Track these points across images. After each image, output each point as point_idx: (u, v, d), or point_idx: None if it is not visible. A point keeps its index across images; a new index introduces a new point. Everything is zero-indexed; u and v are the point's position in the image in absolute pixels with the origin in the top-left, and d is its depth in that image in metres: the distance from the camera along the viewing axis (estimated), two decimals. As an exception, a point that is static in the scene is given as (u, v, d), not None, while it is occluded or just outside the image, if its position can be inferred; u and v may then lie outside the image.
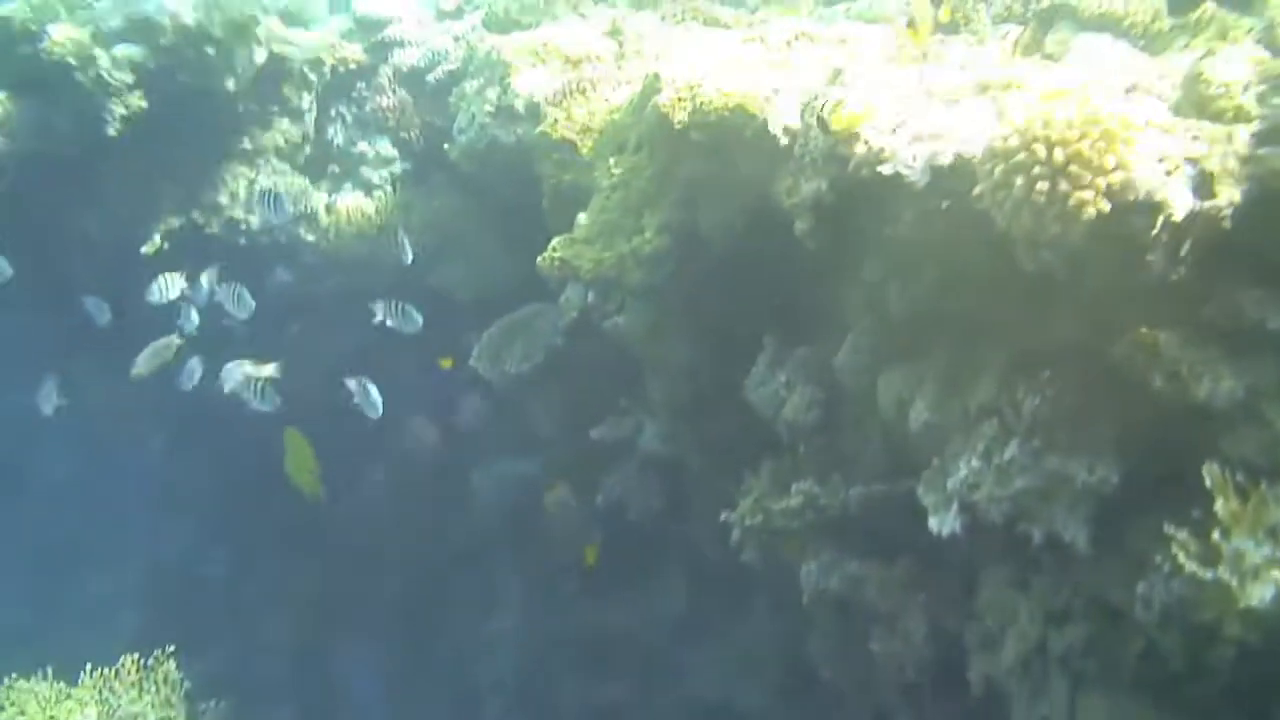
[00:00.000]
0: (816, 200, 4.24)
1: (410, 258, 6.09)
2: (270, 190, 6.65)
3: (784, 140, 4.69)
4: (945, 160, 3.57)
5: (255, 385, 6.26)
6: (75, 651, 10.48)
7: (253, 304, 6.45)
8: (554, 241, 5.45)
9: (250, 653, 10.53)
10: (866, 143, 3.86)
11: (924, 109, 3.90)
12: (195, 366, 6.65)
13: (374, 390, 5.80)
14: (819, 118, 3.95)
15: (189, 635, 10.80)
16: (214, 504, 10.33)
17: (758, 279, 5.26)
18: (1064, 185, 3.03)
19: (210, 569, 11.14)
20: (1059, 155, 3.04)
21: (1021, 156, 3.11)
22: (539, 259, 5.44)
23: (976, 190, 3.35)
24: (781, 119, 4.68)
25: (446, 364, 6.65)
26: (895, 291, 4.17)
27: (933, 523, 3.94)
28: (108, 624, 11.32)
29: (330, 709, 9.89)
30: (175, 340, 6.68)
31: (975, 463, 3.77)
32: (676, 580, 7.37)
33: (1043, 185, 3.06)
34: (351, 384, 5.87)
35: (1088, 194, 3.01)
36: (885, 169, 3.73)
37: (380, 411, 5.76)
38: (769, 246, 4.96)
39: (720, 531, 5.39)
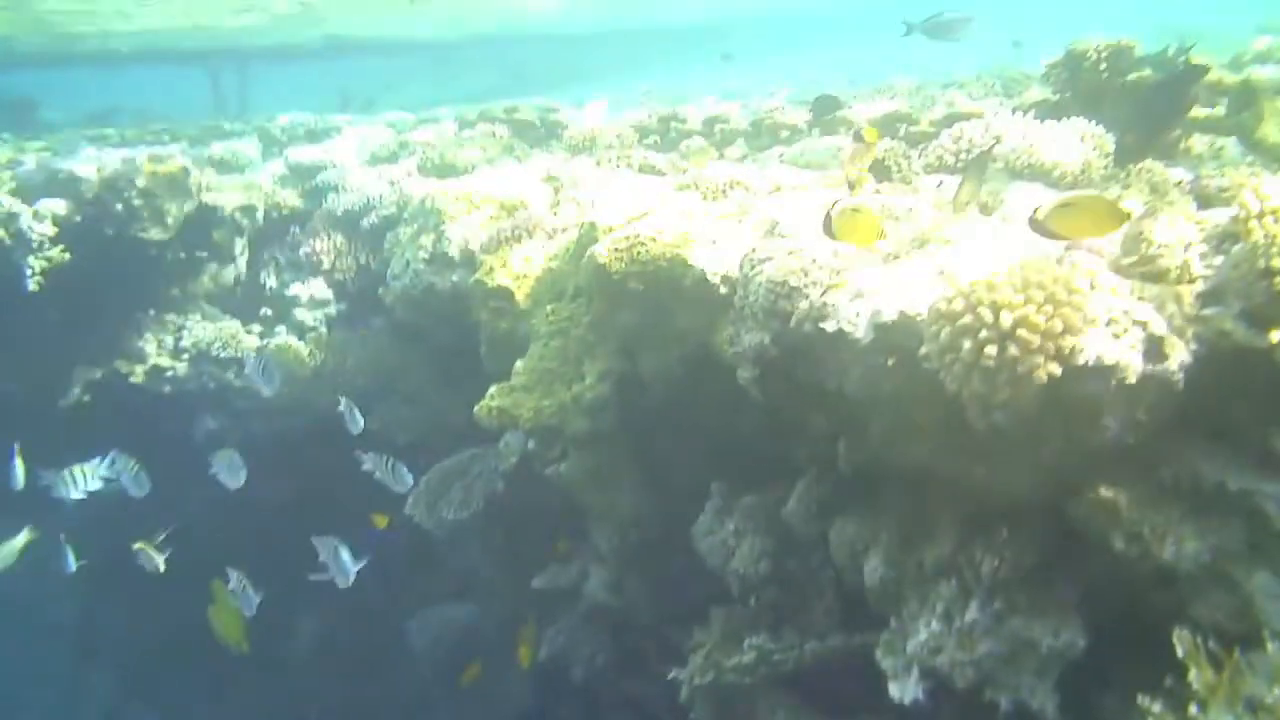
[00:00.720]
0: (759, 353, 4.17)
1: (359, 428, 5.83)
2: (263, 356, 6.35)
3: (723, 290, 4.66)
4: (889, 318, 3.52)
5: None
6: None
7: (148, 485, 6.17)
8: (491, 390, 5.31)
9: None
10: (808, 298, 3.82)
11: (864, 263, 3.88)
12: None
13: (346, 554, 5.34)
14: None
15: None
16: (136, 658, 9.82)
17: (702, 425, 5.17)
18: (1013, 350, 2.99)
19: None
20: (1006, 320, 3.00)
21: (968, 320, 3.07)
22: (476, 408, 5.29)
23: (923, 350, 3.29)
24: (720, 268, 4.65)
25: (381, 523, 6.39)
26: (844, 446, 4.09)
27: (893, 689, 3.77)
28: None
29: None
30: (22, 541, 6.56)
31: (935, 625, 3.64)
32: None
33: (991, 350, 3.02)
34: (322, 547, 5.44)
35: (1037, 359, 2.97)
36: (828, 325, 3.68)
37: (351, 578, 5.27)
38: (712, 393, 4.88)
39: (670, 689, 5.17)
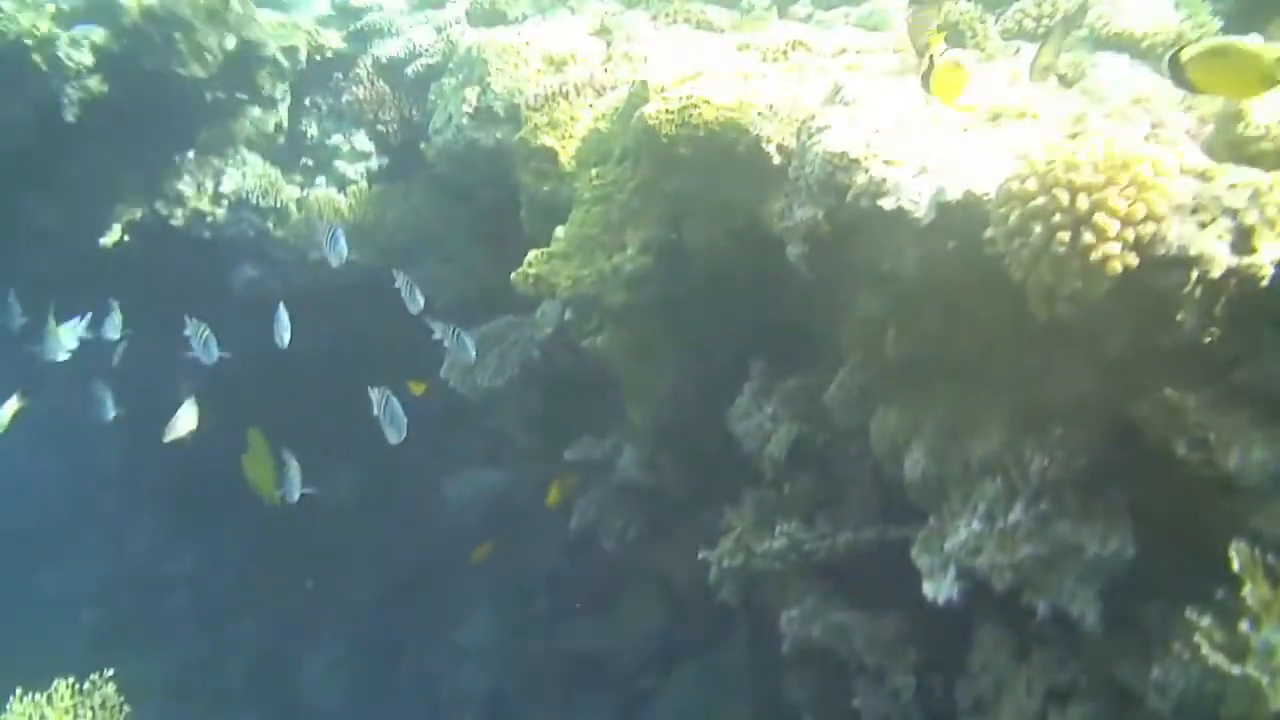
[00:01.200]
0: (811, 229, 3.92)
1: (419, 307, 5.56)
2: (332, 225, 5.99)
3: (777, 159, 4.38)
4: (953, 197, 3.25)
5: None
6: (31, 650, 10.25)
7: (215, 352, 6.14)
8: (530, 256, 5.11)
9: (213, 657, 10.24)
10: (868, 172, 3.54)
11: (930, 136, 3.58)
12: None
13: (398, 407, 5.15)
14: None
15: (151, 635, 10.59)
16: (178, 501, 10.01)
17: (745, 302, 4.95)
18: (1088, 236, 2.72)
19: (176, 566, 10.83)
20: (1083, 203, 2.73)
21: (1041, 201, 2.80)
22: (513, 275, 5.11)
23: (988, 233, 3.03)
24: (776, 136, 4.36)
25: (418, 389, 6.28)
26: (894, 331, 3.86)
27: (928, 588, 3.64)
28: (66, 622, 11.04)
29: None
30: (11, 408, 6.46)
31: (976, 525, 3.47)
32: (650, 606, 7.09)
33: (1064, 235, 2.75)
34: (376, 397, 5.24)
35: (1114, 247, 2.70)
36: (887, 202, 3.41)
37: (403, 433, 5.11)
38: (758, 269, 4.66)
39: (698, 567, 5.11)
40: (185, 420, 5.99)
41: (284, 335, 5.63)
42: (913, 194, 3.36)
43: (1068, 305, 2.91)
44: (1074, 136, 3.28)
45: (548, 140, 5.34)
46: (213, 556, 10.24)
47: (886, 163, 3.51)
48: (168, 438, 5.98)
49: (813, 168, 3.83)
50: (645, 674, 7.50)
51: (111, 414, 6.58)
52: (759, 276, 4.70)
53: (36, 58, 6.55)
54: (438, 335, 5.44)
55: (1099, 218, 2.70)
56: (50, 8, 6.67)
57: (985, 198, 3.12)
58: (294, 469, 5.22)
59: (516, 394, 6.47)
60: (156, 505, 10.48)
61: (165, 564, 10.85)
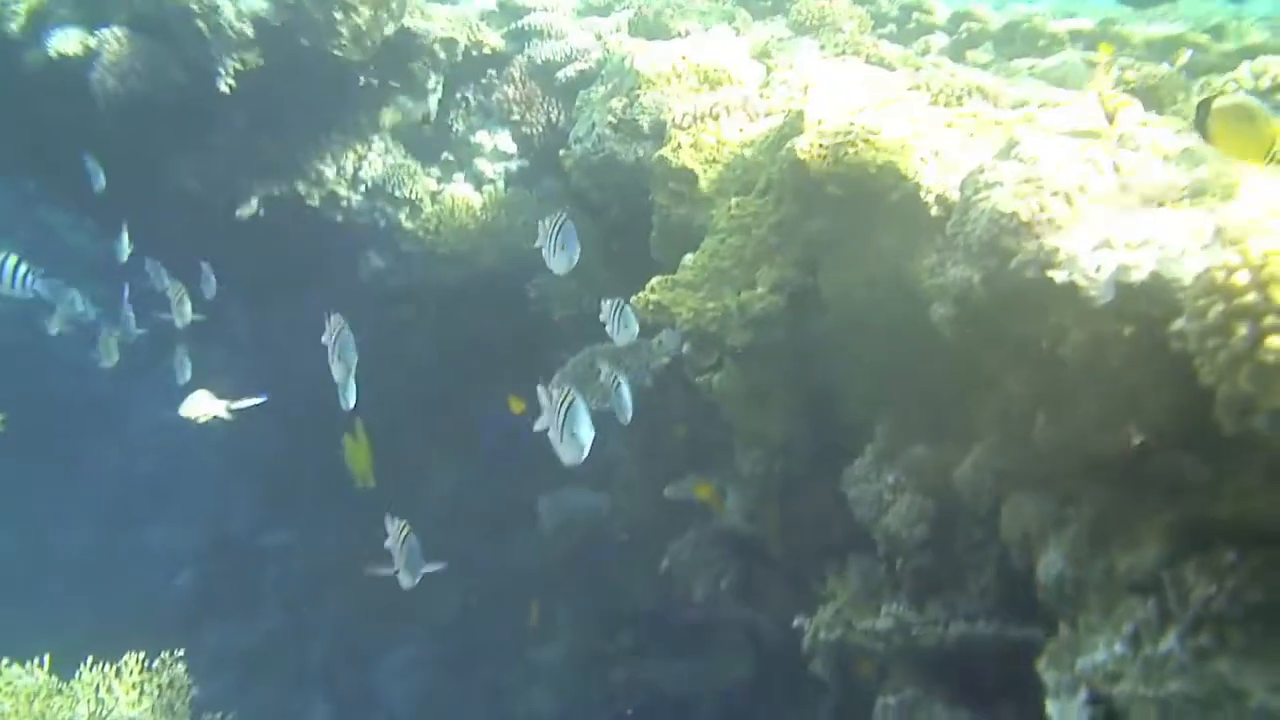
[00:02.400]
0: (964, 292, 3.55)
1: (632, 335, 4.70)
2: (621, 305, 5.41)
3: (935, 211, 4.03)
4: (1138, 277, 2.85)
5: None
6: (131, 601, 10.46)
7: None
8: (653, 281, 4.85)
9: (294, 637, 10.27)
10: (1039, 238, 3.16)
11: (1117, 207, 3.18)
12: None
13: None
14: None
15: (239, 605, 10.71)
16: (278, 480, 10.09)
17: (876, 359, 4.58)
18: (1306, 347, 2.30)
19: (272, 539, 10.94)
20: (1304, 307, 2.31)
21: (1251, 298, 2.39)
22: (633, 298, 4.85)
23: (1177, 326, 2.63)
24: (937, 186, 4.00)
25: (518, 408, 6.07)
26: (1045, 417, 3.45)
27: (1051, 708, 3.23)
28: (164, 580, 11.29)
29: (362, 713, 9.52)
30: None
31: (1119, 648, 3.05)
32: (738, 657, 6.74)
33: (1274, 342, 2.34)
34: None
35: (1335, 364, 2.28)
36: (1058, 275, 3.03)
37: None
38: (897, 325, 4.29)
39: (792, 632, 4.77)
40: (197, 405, 5.88)
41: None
42: (1089, 269, 2.97)
43: (1267, 420, 2.48)
44: (1291, 226, 2.85)
45: (690, 161, 5.07)
46: (308, 536, 10.27)
47: (1061, 230, 3.12)
48: (183, 412, 5.90)
49: (976, 225, 3.46)
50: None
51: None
52: (895, 333, 4.34)
53: (200, 24, 6.59)
54: (604, 377, 4.92)
55: (1322, 327, 2.28)
56: (217, -28, 6.70)
57: (1178, 284, 2.72)
58: (413, 543, 4.58)
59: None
60: (259, 476, 10.60)
61: (262, 535, 10.98)
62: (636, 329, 4.54)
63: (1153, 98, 4.73)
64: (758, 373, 4.89)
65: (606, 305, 4.59)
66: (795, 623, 4.56)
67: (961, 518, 4.23)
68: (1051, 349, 3.18)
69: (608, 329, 4.58)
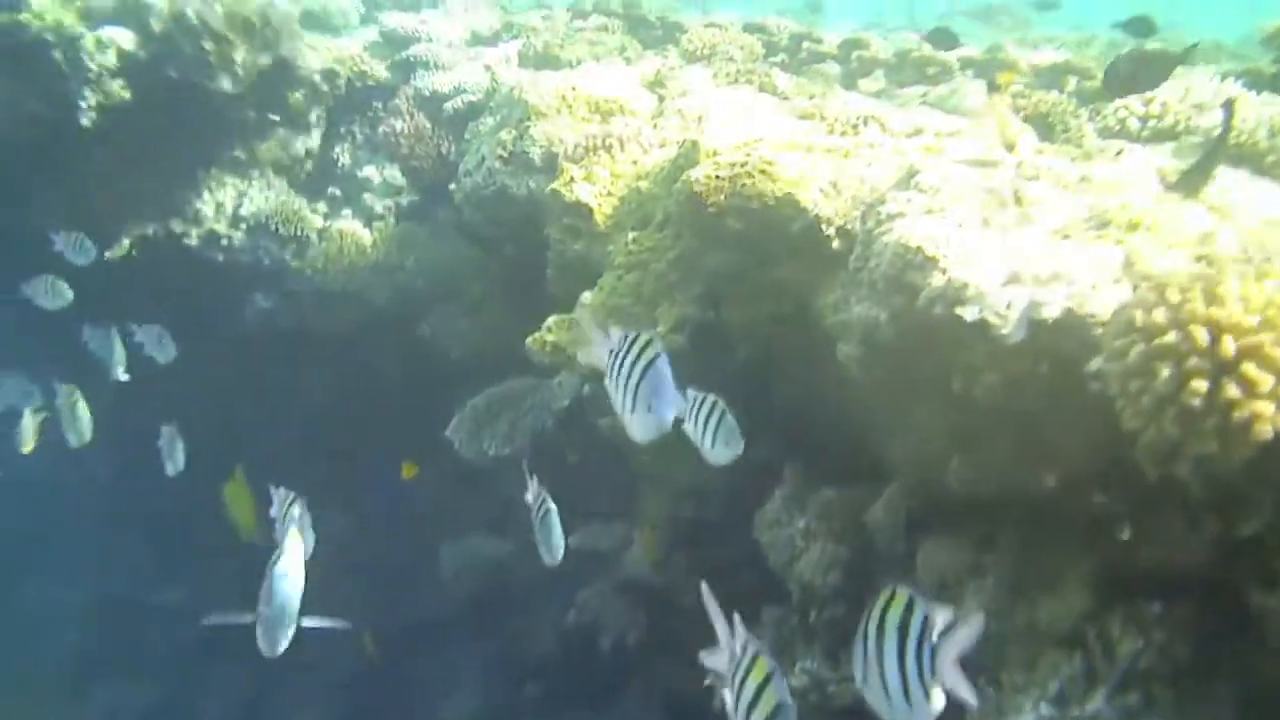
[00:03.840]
0: (869, 331, 3.38)
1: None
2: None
3: (837, 244, 3.86)
4: (1050, 314, 2.70)
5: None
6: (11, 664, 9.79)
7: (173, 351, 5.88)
8: (549, 321, 4.60)
9: (189, 698, 9.72)
10: (945, 273, 2.99)
11: (1024, 239, 3.04)
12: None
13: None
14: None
15: (132, 665, 10.11)
16: (165, 532, 9.56)
17: (785, 398, 4.39)
18: (1232, 390, 2.15)
19: (163, 597, 10.38)
20: (1228, 347, 2.16)
21: (1172, 339, 2.24)
22: (529, 339, 4.59)
23: (1094, 366, 2.48)
24: (837, 218, 3.84)
25: (409, 473, 5.80)
26: (957, 460, 3.29)
27: (978, 775, 3.03)
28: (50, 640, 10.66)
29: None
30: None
31: (1045, 709, 2.88)
32: (649, 714, 6.48)
33: (1199, 385, 2.19)
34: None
35: (1266, 406, 2.13)
36: (967, 312, 2.86)
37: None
38: (804, 363, 4.12)
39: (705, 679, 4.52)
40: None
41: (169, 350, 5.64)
42: (999, 305, 2.81)
43: (1190, 469, 2.33)
44: (1201, 259, 2.73)
45: (584, 195, 4.83)
46: (199, 592, 9.73)
47: (969, 264, 2.96)
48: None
49: (879, 260, 3.29)
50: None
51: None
52: (802, 370, 4.16)
53: (57, 55, 6.18)
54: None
55: (1249, 368, 2.13)
56: (78, 3, 6.30)
57: (1094, 320, 2.57)
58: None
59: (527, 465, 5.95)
60: (145, 530, 10.05)
61: (151, 592, 10.41)
62: (740, 445, 3.30)
63: (1044, 125, 4.65)
64: (661, 415, 4.66)
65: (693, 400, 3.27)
66: (706, 681, 4.31)
67: (875, 563, 4.05)
68: (964, 389, 3.02)
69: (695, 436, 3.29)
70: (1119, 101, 4.30)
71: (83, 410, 5.73)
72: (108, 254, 6.97)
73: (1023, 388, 2.83)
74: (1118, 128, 4.26)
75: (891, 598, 2.07)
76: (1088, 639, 2.87)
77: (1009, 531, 3.33)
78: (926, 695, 1.98)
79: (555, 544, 3.91)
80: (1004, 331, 2.77)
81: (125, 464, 9.31)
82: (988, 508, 3.37)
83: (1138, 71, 3.84)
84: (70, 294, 5.96)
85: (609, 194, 4.84)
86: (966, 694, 1.95)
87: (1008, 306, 2.78)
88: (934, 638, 1.97)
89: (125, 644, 10.29)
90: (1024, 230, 3.07)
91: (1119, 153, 3.82)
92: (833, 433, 4.31)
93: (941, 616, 1.98)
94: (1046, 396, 2.79)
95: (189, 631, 9.90)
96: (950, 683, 1.96)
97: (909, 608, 2.03)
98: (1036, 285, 2.77)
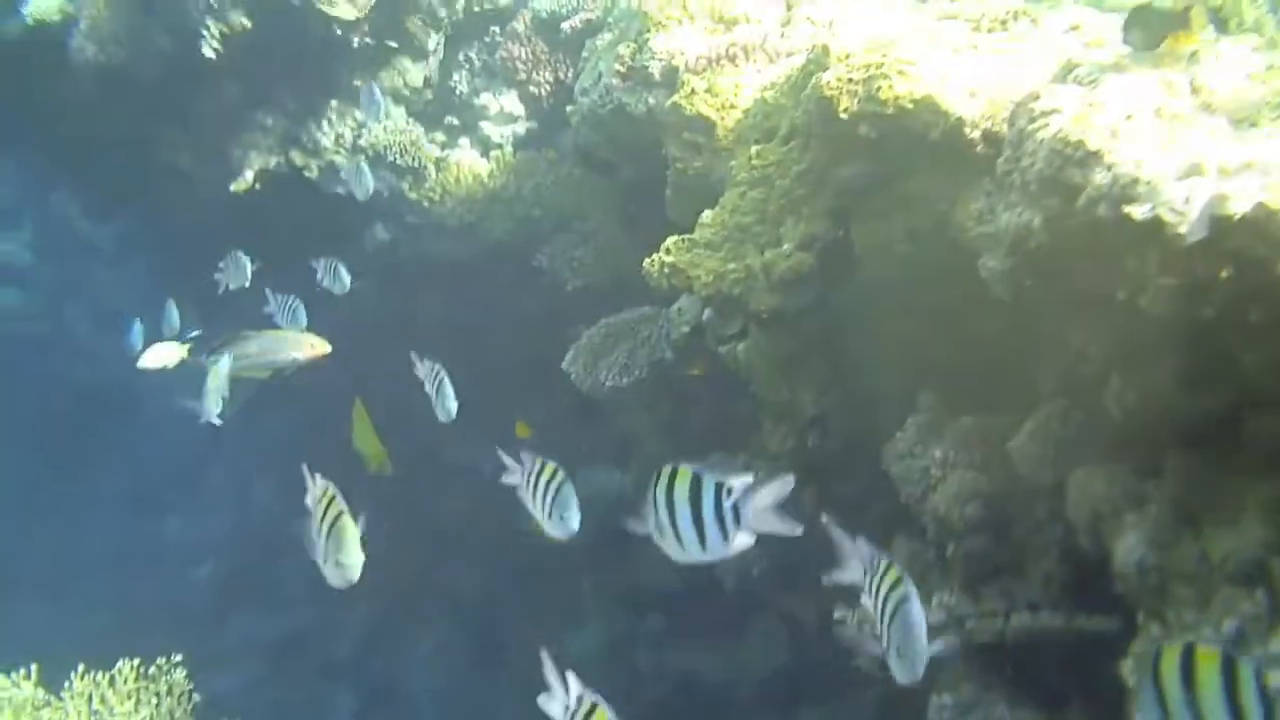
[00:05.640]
0: (1020, 238, 3.07)
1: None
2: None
3: (982, 149, 3.54)
4: (1238, 209, 2.37)
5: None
6: (156, 593, 10.26)
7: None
8: (668, 242, 4.39)
9: (321, 628, 10.00)
10: (1111, 169, 2.67)
11: (1201, 130, 2.69)
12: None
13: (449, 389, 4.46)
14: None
15: (264, 598, 10.49)
16: (294, 470, 9.77)
17: (921, 322, 4.11)
18: None
19: (296, 528, 10.68)
20: None
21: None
22: (646, 262, 4.40)
23: (1294, 265, 2.16)
24: (983, 121, 3.52)
25: (523, 432, 5.70)
26: (1118, 380, 2.98)
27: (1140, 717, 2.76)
28: (186, 572, 11.12)
29: (388, 705, 9.23)
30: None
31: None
32: (776, 644, 6.35)
33: None
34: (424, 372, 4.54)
35: None
36: (1138, 210, 2.55)
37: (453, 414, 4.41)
38: (941, 281, 3.83)
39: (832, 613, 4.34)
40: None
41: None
42: (1176, 200, 2.49)
43: None
44: None
45: (705, 108, 4.59)
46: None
47: (1140, 157, 2.64)
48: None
49: (1033, 159, 2.98)
50: (763, 711, 6.78)
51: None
52: (941, 291, 3.87)
53: (179, -16, 6.20)
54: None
55: None
56: (200, -66, 6.30)
57: (1293, 216, 2.24)
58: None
59: (646, 395, 5.80)
60: (277, 461, 10.30)
61: (285, 524, 10.71)
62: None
63: (1220, 15, 4.19)
64: (786, 340, 4.44)
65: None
66: (836, 614, 4.12)
67: (1019, 495, 3.76)
68: (1130, 299, 2.71)
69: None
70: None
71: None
72: (231, 186, 7.06)
73: (1201, 295, 2.51)
74: (1299, 10, 3.80)
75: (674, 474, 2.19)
76: (1272, 573, 2.56)
77: (1175, 457, 3.01)
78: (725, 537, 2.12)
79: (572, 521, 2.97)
80: (1181, 230, 2.46)
81: (255, 395, 9.58)
82: (1151, 433, 3.06)
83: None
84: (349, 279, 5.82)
85: (732, 106, 4.59)
86: (786, 527, 2.15)
87: (1186, 201, 2.46)
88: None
89: (259, 575, 10.66)
90: (1203, 120, 2.72)
91: (1308, 39, 3.39)
92: (972, 359, 4.03)
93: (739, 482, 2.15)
94: (1229, 305, 2.47)
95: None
96: (765, 527, 2.14)
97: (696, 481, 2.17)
98: (1222, 176, 2.44)
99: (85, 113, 6.58)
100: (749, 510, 2.14)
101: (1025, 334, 3.55)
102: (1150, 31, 3.11)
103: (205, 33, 6.19)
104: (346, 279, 5.58)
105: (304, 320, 5.73)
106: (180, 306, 7.90)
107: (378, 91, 5.98)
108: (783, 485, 2.17)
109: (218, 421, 5.31)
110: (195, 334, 6.41)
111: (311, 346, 5.53)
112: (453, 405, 4.38)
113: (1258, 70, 3.06)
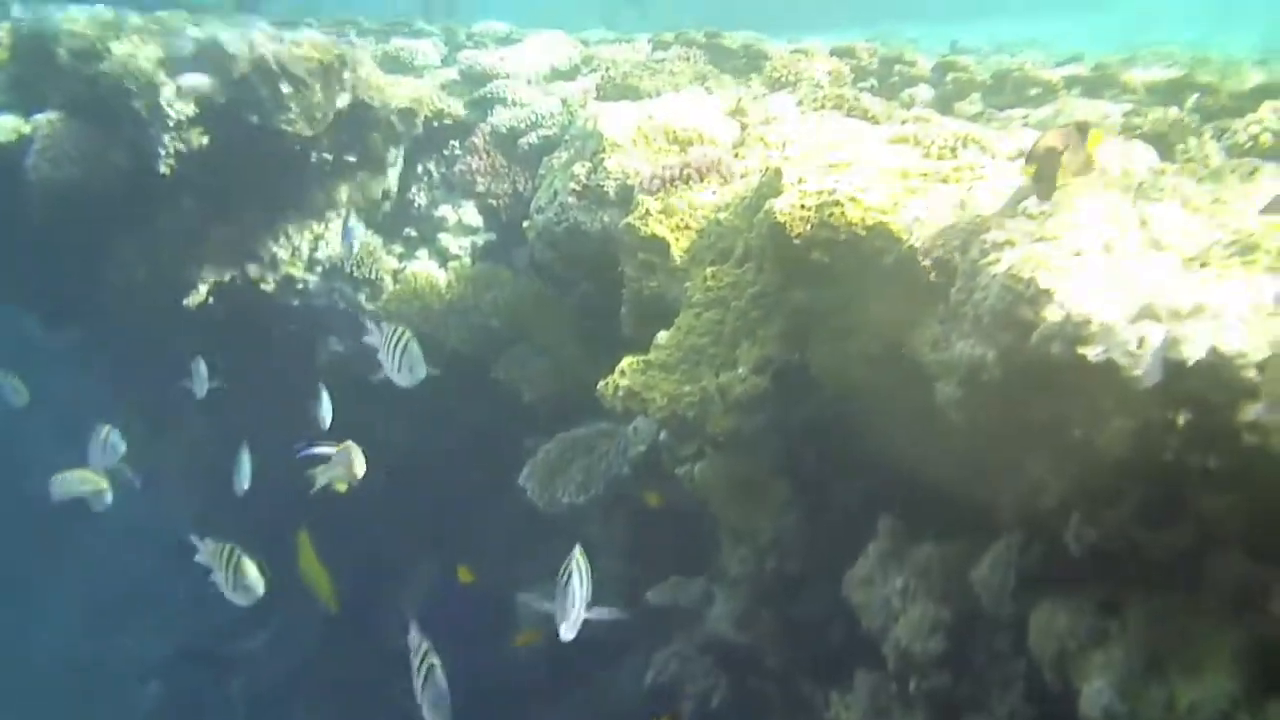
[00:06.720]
0: (974, 369, 3.04)
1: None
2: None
3: (935, 276, 3.52)
4: (1192, 354, 2.34)
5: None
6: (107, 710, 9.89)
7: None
8: (623, 363, 4.33)
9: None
10: (1063, 307, 2.65)
11: (1155, 269, 2.68)
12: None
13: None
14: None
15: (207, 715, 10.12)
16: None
17: (878, 445, 4.05)
18: None
19: (241, 645, 10.37)
20: None
21: (1352, 382, 1.87)
22: (600, 384, 4.33)
23: (1251, 415, 2.12)
24: (935, 249, 3.51)
25: (465, 577, 5.63)
26: (1078, 516, 2.92)
27: None
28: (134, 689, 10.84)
29: None
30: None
31: (1187, 813, 2.47)
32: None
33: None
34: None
35: None
36: (1092, 352, 2.51)
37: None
38: (898, 407, 3.78)
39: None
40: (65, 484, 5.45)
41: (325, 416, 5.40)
42: (1129, 343, 2.46)
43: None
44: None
45: (660, 229, 4.58)
46: (278, 640, 9.68)
47: (1091, 297, 2.61)
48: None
49: (986, 294, 2.96)
50: None
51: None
52: (898, 416, 3.82)
53: (138, 104, 6.17)
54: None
55: None
56: (158, 54, 6.30)
57: (1245, 361, 2.20)
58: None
59: (603, 513, 5.69)
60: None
61: (233, 641, 10.40)
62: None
63: (1163, 144, 4.27)
64: (743, 462, 4.37)
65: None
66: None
67: (981, 626, 3.67)
68: (1087, 438, 2.66)
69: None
70: (1250, 116, 3.89)
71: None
72: (184, 301, 6.95)
73: (1158, 439, 2.46)
74: (1249, 144, 3.85)
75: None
76: (1241, 726, 2.47)
77: (1138, 595, 2.93)
78: None
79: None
80: (1135, 373, 2.42)
81: (207, 505, 9.35)
82: (1112, 566, 2.99)
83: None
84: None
85: (686, 227, 4.58)
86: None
87: (1139, 344, 2.43)
88: None
89: (205, 693, 10.33)
90: (1153, 257, 2.71)
91: (1254, 171, 3.42)
92: (931, 482, 3.96)
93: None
94: (1187, 449, 2.42)
95: (268, 678, 9.89)
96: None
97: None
98: (1173, 320, 2.41)
99: (40, 229, 6.48)
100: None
101: (983, 459, 3.49)
102: (1046, 165, 3.06)
103: (163, 150, 6.14)
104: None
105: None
106: (133, 416, 7.75)
107: (358, 229, 5.89)
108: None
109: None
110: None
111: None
112: (421, 370, 4.28)
113: (1204, 204, 3.08)
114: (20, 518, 11.67)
